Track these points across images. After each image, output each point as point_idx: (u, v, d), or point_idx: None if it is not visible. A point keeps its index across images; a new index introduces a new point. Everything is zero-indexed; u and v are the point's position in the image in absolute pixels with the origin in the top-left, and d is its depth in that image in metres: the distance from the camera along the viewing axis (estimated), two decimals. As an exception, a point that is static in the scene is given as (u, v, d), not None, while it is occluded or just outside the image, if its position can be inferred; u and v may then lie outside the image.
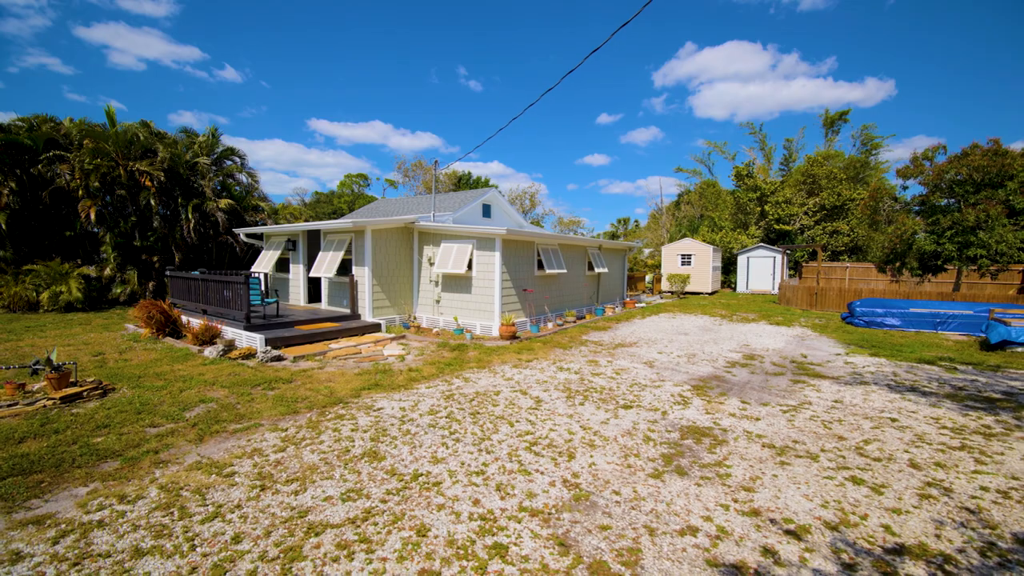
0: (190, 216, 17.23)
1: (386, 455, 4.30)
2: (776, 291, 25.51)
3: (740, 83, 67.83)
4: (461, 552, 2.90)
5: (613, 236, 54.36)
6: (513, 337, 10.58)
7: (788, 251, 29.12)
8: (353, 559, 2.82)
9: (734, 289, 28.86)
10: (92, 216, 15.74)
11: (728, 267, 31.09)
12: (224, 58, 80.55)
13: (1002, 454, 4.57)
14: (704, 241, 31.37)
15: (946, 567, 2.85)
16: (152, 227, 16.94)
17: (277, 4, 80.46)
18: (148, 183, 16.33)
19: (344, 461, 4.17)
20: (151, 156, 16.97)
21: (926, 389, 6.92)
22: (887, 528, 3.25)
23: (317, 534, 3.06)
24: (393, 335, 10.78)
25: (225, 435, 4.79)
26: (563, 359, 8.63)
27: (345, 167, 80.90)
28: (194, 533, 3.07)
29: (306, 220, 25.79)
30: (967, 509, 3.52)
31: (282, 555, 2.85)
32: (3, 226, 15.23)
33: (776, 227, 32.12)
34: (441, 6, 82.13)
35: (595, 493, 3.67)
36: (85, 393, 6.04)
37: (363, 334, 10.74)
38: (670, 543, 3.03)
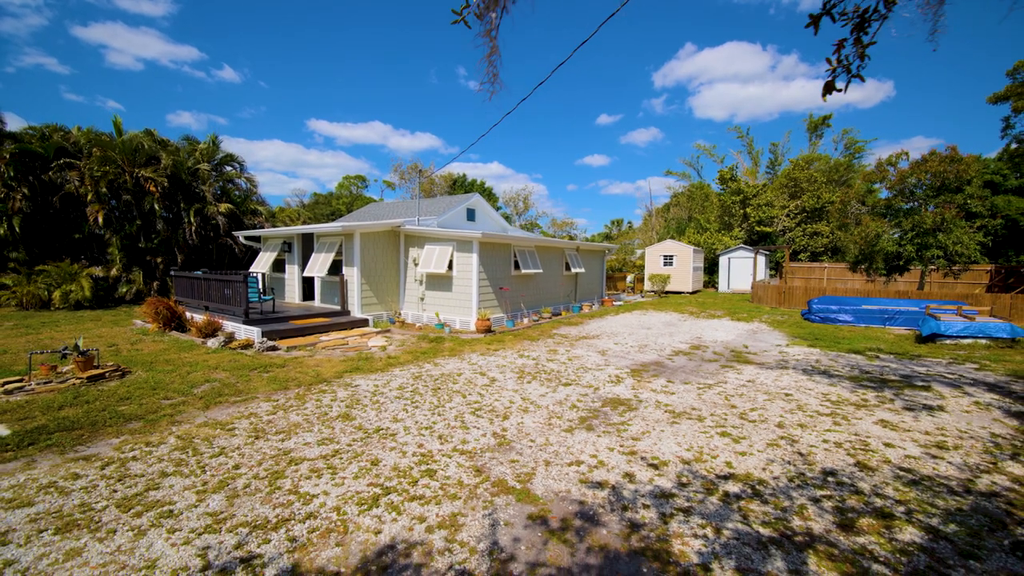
0: (192, 220, 18.27)
1: (356, 417, 5.35)
2: (754, 291, 26.56)
3: (740, 84, 68.90)
4: (401, 474, 3.95)
5: (607, 237, 55.42)
6: (488, 331, 11.62)
7: (768, 252, 30.19)
8: (321, 477, 3.87)
9: (717, 289, 29.92)
10: (100, 220, 16.80)
11: (712, 268, 32.18)
12: (222, 58, 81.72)
13: (860, 419, 5.62)
14: (689, 242, 32.46)
15: (757, 487, 3.89)
16: (156, 230, 17.98)
17: (275, 4, 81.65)
18: (152, 188, 17.37)
19: (322, 421, 5.22)
20: (155, 163, 18.01)
21: (835, 373, 7.97)
22: (728, 464, 4.29)
23: (296, 464, 4.11)
24: (379, 329, 11.82)
25: (227, 404, 5.83)
26: (527, 349, 9.67)
27: (344, 168, 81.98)
28: (205, 463, 4.11)
29: (304, 222, 26.87)
30: (800, 454, 4.57)
31: (269, 475, 3.89)
32: (17, 229, 16.26)
33: (758, 229, 33.18)
34: (441, 6, 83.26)
35: (515, 441, 4.72)
36: (107, 374, 7.08)
37: (352, 328, 11.77)
38: (558, 470, 4.08)
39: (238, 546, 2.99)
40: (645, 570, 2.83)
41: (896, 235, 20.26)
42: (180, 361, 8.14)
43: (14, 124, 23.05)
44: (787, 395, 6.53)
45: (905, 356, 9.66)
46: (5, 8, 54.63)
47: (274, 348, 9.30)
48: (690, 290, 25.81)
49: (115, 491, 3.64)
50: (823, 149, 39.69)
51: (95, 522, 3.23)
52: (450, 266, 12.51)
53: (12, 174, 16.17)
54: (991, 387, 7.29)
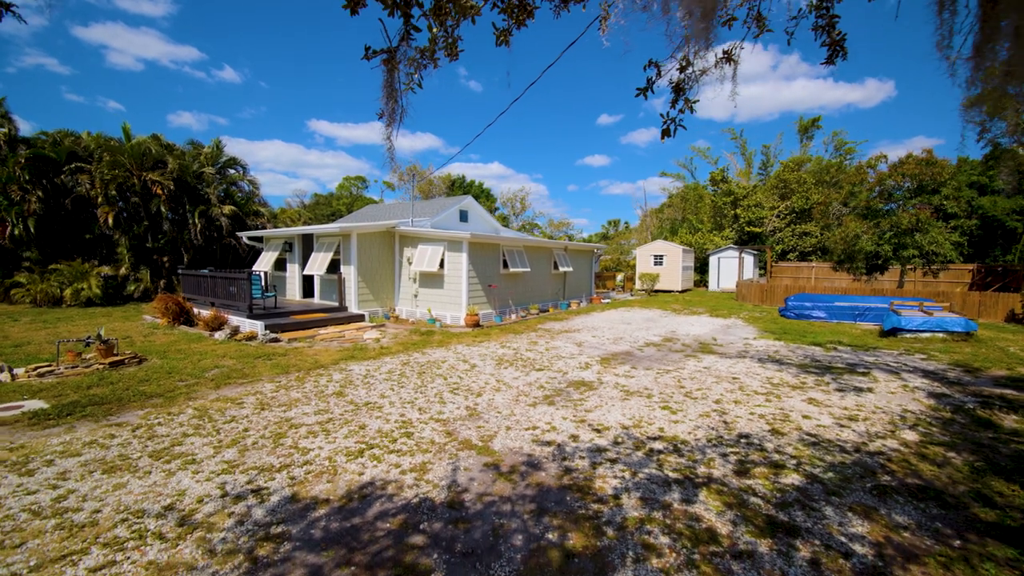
0: (197, 221, 19.08)
1: (348, 394, 6.13)
2: (741, 289, 27.27)
3: (741, 84, 69.04)
4: (384, 435, 4.73)
5: (604, 237, 56.21)
6: (476, 325, 12.39)
7: (755, 252, 30.94)
8: (317, 437, 4.65)
9: (707, 288, 30.66)
10: (109, 221, 17.61)
11: (703, 267, 32.92)
12: (223, 58, 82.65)
13: (791, 397, 6.39)
14: (682, 242, 33.20)
15: (678, 445, 4.66)
16: (163, 231, 18.79)
17: (276, 4, 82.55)
18: (159, 191, 18.18)
19: (319, 397, 6.00)
20: (162, 167, 18.82)
21: (788, 361, 8.73)
22: (660, 429, 5.06)
23: (296, 428, 4.89)
24: (374, 324, 12.60)
25: (236, 385, 6.61)
26: (510, 341, 10.44)
27: (345, 168, 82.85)
28: (219, 427, 4.89)
29: (305, 222, 27.67)
30: (725, 422, 5.33)
31: (273, 436, 4.68)
32: (32, 230, 17.07)
33: (748, 229, 33.91)
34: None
35: (484, 412, 5.49)
36: (126, 361, 7.86)
37: (349, 323, 12.55)
38: (516, 433, 4.86)
39: (249, 482, 3.77)
40: (568, 499, 3.60)
41: (876, 235, 20.98)
42: (191, 351, 8.92)
43: (20, 127, 23.79)
44: (734, 378, 7.29)
45: (861, 348, 10.40)
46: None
47: (276, 340, 10.09)
48: (679, 289, 26.55)
49: (146, 446, 4.42)
50: (814, 151, 40.40)
51: (133, 466, 4.01)
52: (441, 265, 13.28)
53: (27, 177, 16.99)
54: (927, 373, 8.04)
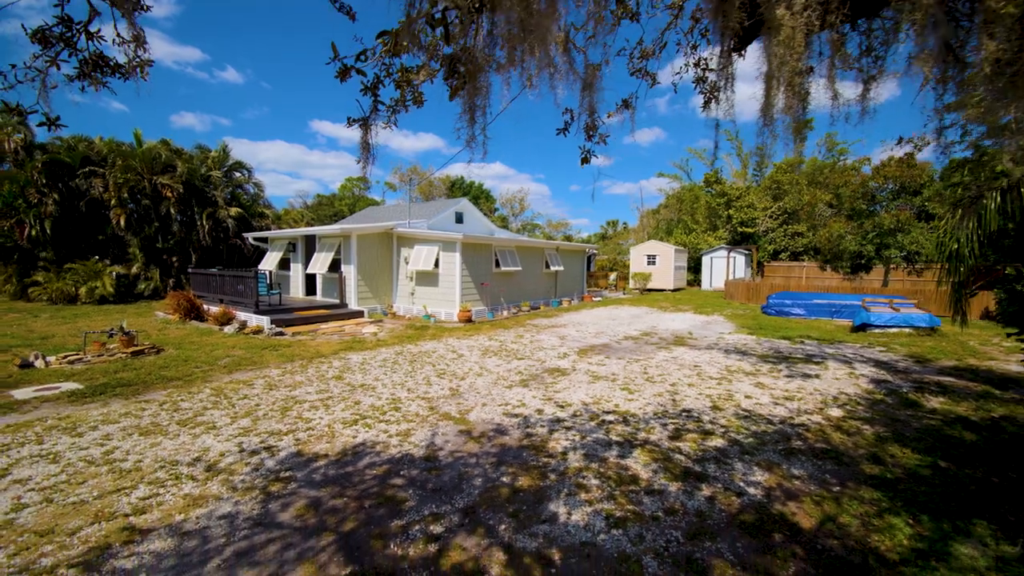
0: (204, 222, 19.93)
1: (346, 378, 6.92)
2: (732, 288, 27.93)
3: (744, 83, 69.85)
4: (376, 409, 5.51)
5: (603, 237, 56.99)
6: (469, 321, 13.17)
7: (746, 252, 31.62)
8: (318, 410, 5.44)
9: (700, 287, 31.36)
10: (122, 222, 18.46)
11: (697, 267, 33.61)
12: (225, 59, 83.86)
13: (741, 381, 7.13)
14: (676, 242, 33.91)
15: (627, 417, 5.42)
16: (172, 232, 19.65)
17: (277, 5, 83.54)
18: (169, 194, 19.04)
19: (320, 380, 6.79)
20: (171, 171, 19.68)
21: (751, 352, 9.46)
22: (616, 405, 5.83)
23: (300, 403, 5.68)
24: (373, 320, 13.39)
25: (246, 370, 7.40)
26: (498, 334, 11.21)
27: (347, 168, 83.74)
28: (234, 402, 5.68)
29: (307, 223, 28.50)
30: (673, 400, 6.09)
31: (280, 408, 5.46)
32: (48, 231, 17.95)
33: (740, 229, 34.57)
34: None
35: (465, 392, 6.27)
36: (145, 351, 8.67)
37: (349, 319, 13.34)
38: (490, 408, 5.63)
39: (261, 442, 4.55)
40: (525, 455, 4.37)
41: (859, 235, 21.64)
42: (203, 343, 9.73)
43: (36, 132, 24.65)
44: (696, 366, 8.04)
45: (827, 342, 11.11)
46: (9, 10, 56.44)
47: (281, 333, 10.89)
48: (671, 288, 27.26)
49: (173, 416, 5.22)
50: (808, 152, 40.99)
51: (164, 431, 4.80)
52: (436, 264, 14.06)
53: (44, 181, 17.87)
54: (878, 363, 8.76)
